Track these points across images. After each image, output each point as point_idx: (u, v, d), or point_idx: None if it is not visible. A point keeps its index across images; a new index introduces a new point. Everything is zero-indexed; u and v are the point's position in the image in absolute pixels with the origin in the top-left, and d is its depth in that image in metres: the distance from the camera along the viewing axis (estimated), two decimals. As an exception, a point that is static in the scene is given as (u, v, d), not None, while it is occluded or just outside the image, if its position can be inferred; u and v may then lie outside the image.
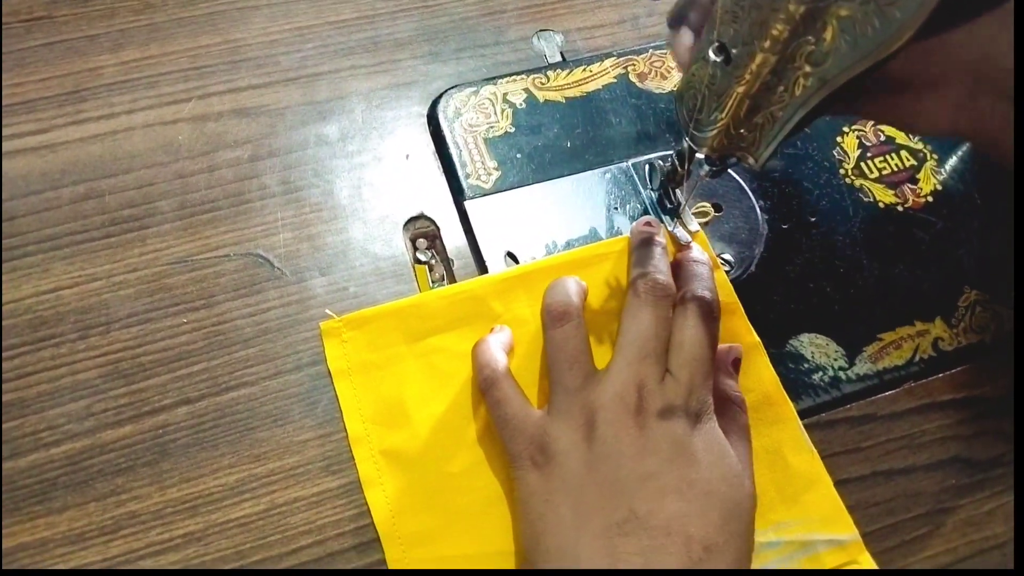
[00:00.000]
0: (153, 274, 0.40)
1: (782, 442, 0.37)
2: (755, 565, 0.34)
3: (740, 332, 0.39)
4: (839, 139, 0.48)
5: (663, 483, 0.31)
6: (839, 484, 0.38)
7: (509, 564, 0.34)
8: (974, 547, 0.37)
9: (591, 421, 0.33)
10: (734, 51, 0.32)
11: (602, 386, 0.34)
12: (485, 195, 0.44)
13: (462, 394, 0.37)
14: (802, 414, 0.39)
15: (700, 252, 0.40)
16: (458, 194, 0.44)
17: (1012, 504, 0.38)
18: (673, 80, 0.48)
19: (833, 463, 0.38)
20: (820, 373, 0.40)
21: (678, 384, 0.34)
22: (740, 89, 0.32)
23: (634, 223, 0.41)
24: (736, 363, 0.37)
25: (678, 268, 0.39)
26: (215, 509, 0.36)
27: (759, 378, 0.38)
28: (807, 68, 0.30)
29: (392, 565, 0.34)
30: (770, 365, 0.38)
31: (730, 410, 0.35)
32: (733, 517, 0.31)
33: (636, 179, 0.45)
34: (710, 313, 0.36)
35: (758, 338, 0.39)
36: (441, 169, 0.45)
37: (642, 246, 0.39)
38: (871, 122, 0.48)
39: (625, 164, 0.45)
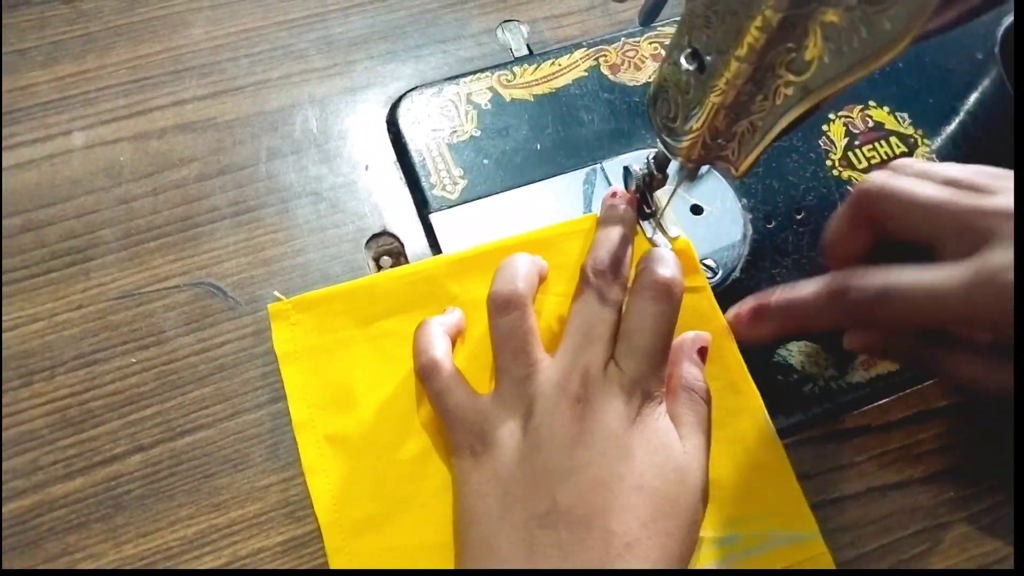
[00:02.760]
0: (98, 311, 0.38)
1: (746, 433, 0.35)
2: (708, 561, 0.33)
3: (707, 316, 0.37)
4: (825, 127, 0.45)
5: (591, 476, 0.30)
6: (833, 503, 0.36)
7: (451, 557, 0.32)
8: (975, 563, 0.36)
9: (530, 409, 0.32)
10: (708, 58, 0.29)
11: (544, 374, 0.32)
12: (451, 207, 0.41)
13: (412, 379, 0.36)
14: (793, 429, 0.37)
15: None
16: (423, 207, 0.41)
17: (1013, 515, 0.36)
18: (648, 71, 0.45)
19: (826, 481, 0.36)
20: (810, 384, 0.38)
21: (622, 373, 0.32)
22: (716, 99, 0.29)
23: (602, 197, 0.39)
24: (703, 352, 0.35)
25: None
26: (175, 565, 0.34)
27: (725, 365, 0.36)
28: (789, 77, 0.27)
29: (331, 554, 0.33)
30: (737, 351, 0.36)
31: (690, 401, 0.33)
32: (665, 514, 0.30)
33: (611, 182, 0.42)
34: (665, 297, 0.33)
35: (726, 322, 0.37)
36: (403, 180, 0.42)
37: (601, 225, 0.37)
38: (859, 108, 0.45)
39: (599, 165, 0.42)
